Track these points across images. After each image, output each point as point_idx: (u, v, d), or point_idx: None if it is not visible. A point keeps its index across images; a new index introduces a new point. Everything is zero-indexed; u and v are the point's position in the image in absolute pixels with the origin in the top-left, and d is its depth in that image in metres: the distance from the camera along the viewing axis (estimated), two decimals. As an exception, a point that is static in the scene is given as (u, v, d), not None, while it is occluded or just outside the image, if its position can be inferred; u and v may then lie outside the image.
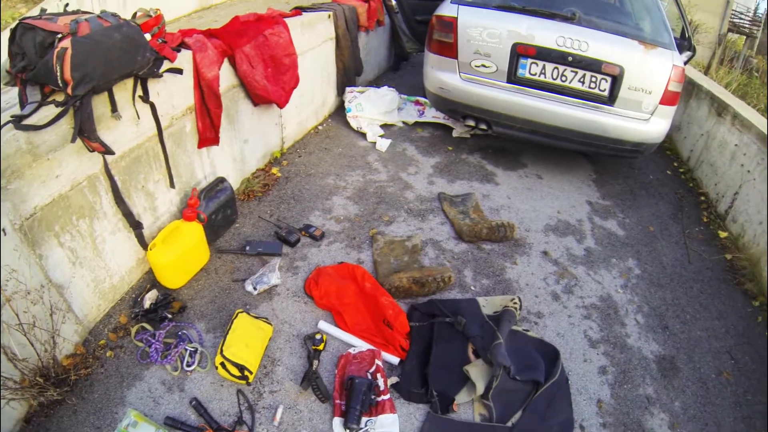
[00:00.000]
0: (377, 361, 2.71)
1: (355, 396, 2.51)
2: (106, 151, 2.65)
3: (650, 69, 3.92)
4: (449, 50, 4.24)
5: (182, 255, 3.15)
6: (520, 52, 4.00)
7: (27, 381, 2.50)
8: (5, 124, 2.34)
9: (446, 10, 4.30)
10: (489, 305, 3.08)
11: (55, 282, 2.68)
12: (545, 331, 3.03)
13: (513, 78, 4.10)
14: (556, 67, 3.98)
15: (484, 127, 4.38)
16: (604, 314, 3.19)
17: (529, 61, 4.02)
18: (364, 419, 2.48)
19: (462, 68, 4.23)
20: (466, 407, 2.62)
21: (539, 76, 4.04)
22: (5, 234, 2.35)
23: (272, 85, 3.91)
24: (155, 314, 3.01)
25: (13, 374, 2.44)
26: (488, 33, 4.05)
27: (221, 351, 2.63)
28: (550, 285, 3.34)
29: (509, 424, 2.55)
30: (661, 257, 3.79)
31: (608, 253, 3.71)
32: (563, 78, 3.99)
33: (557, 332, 3.03)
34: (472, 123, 4.43)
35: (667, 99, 3.97)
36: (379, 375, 2.66)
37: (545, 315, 3.13)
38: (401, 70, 6.39)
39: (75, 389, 2.69)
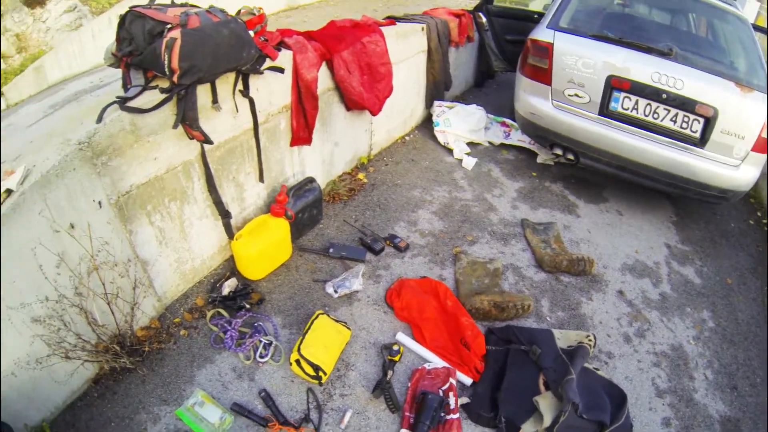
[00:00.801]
0: (451, 380, 2.67)
1: (425, 411, 2.48)
2: (205, 140, 2.70)
3: (745, 113, 3.71)
4: (543, 76, 4.16)
5: (266, 249, 3.19)
6: (614, 84, 3.87)
7: (102, 346, 2.58)
8: (111, 103, 2.43)
9: (542, 35, 4.21)
10: (563, 338, 3.00)
11: (141, 258, 2.76)
12: (614, 373, 2.92)
13: (605, 111, 3.98)
14: (649, 104, 3.83)
15: (571, 157, 4.28)
16: (673, 364, 3.06)
17: (623, 94, 3.90)
18: (430, 435, 2.46)
19: (555, 95, 4.14)
20: (529, 439, 2.55)
21: (631, 111, 3.91)
22: (101, 207, 2.44)
23: (367, 92, 3.92)
24: (233, 302, 3.05)
25: (91, 338, 2.52)
26: (583, 62, 3.96)
27: (298, 349, 2.64)
28: (623, 326, 3.23)
29: None
30: (736, 312, 3.60)
31: (683, 300, 3.55)
32: (655, 115, 3.85)
33: (626, 375, 2.92)
34: (559, 152, 4.34)
35: (760, 146, 3.74)
36: (451, 393, 2.62)
37: (615, 356, 3.03)
38: (486, 88, 6.32)
39: (146, 360, 2.75)
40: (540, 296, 3.34)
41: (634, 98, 3.87)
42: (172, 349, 2.84)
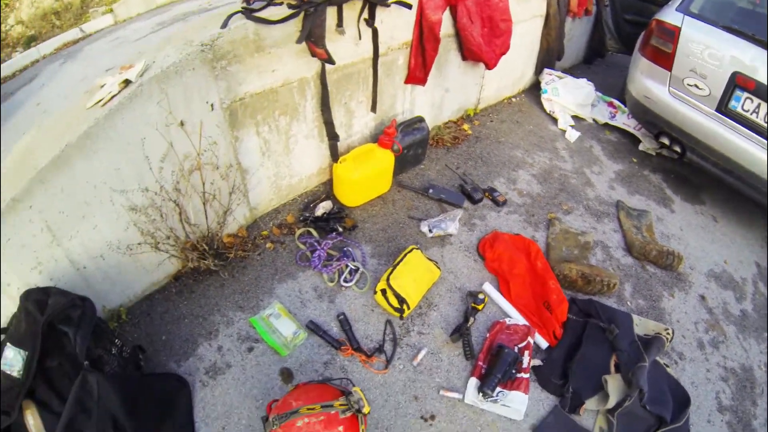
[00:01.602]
0: (529, 339, 2.65)
1: (499, 364, 2.46)
2: (328, 59, 2.68)
3: None
4: (664, 60, 3.91)
5: (369, 177, 3.18)
6: (738, 82, 3.56)
7: (190, 244, 2.64)
8: (237, 12, 2.41)
9: (670, 17, 3.90)
10: (641, 326, 2.91)
11: (242, 165, 2.80)
12: (681, 375, 2.82)
13: (723, 108, 3.69)
14: None
15: (677, 149, 4.07)
16: (740, 384, 2.92)
17: (746, 95, 3.61)
18: (498, 389, 2.44)
19: (673, 82, 3.90)
20: (590, 415, 2.52)
21: (751, 114, 3.61)
22: (212, 109, 2.47)
23: (486, 44, 3.80)
24: (325, 224, 3.07)
25: (181, 235, 2.59)
26: (710, 53, 3.68)
27: (387, 278, 2.64)
28: (699, 331, 3.10)
29: None
30: None
31: (762, 324, 3.36)
32: None
33: (692, 381, 2.81)
34: (666, 141, 4.13)
35: None
36: (526, 352, 2.60)
37: (686, 359, 2.92)
38: (595, 66, 6.05)
39: (228, 266, 2.81)
40: (624, 280, 3.24)
41: (756, 101, 3.58)
42: (255, 260, 2.89)
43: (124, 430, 2.05)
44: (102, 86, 2.22)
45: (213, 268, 2.72)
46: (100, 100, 2.14)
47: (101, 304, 2.43)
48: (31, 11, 6.86)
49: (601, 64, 6.10)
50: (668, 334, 2.87)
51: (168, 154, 2.37)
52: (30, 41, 6.22)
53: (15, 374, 1.94)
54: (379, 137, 3.32)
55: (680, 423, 2.55)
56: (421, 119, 3.55)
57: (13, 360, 1.95)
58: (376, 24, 2.91)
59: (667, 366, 2.82)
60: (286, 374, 2.45)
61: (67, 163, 2.04)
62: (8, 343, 1.97)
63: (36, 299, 2.03)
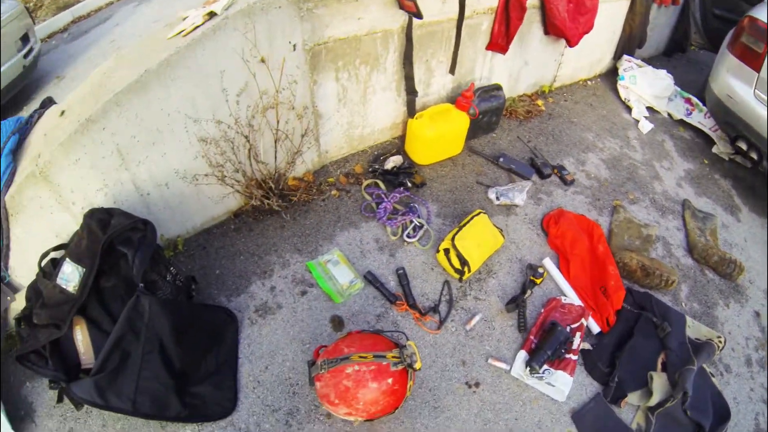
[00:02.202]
0: (583, 320, 2.58)
1: (551, 341, 2.41)
2: (417, 13, 2.60)
3: None
4: (754, 60, 3.66)
5: (442, 136, 3.12)
6: None
7: (256, 181, 2.62)
8: None
9: (765, 15, 3.64)
10: (694, 329, 2.81)
11: (318, 109, 2.77)
12: (725, 388, 2.71)
13: None
14: None
15: (753, 156, 3.87)
16: None
17: None
18: (545, 366, 2.39)
19: (760, 85, 3.66)
20: (630, 410, 2.45)
21: None
22: (294, 50, 2.42)
23: (570, 21, 3.65)
24: (394, 177, 3.02)
25: (247, 171, 2.57)
26: None
27: (452, 238, 2.58)
28: (749, 348, 2.97)
29: None
30: None
31: None
32: None
33: (734, 396, 2.70)
34: (743, 146, 3.93)
35: None
36: (578, 334, 2.53)
37: (732, 373, 2.80)
38: (675, 60, 5.78)
39: (291, 208, 2.78)
40: (682, 280, 3.13)
41: None
42: (319, 205, 2.87)
43: (169, 354, 2.08)
44: (184, 18, 2.20)
45: (276, 208, 2.71)
46: (181, 31, 2.12)
47: (160, 232, 2.44)
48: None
49: (682, 58, 5.83)
50: (720, 342, 2.77)
51: (246, 89, 2.35)
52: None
53: (70, 289, 1.97)
54: (456, 99, 3.25)
55: None
56: (498, 87, 3.47)
57: (71, 275, 1.97)
58: None
59: (713, 375, 2.72)
60: (337, 322, 2.44)
61: (144, 89, 2.04)
62: (67, 259, 2.00)
63: (99, 218, 2.05)
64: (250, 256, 2.62)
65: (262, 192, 2.68)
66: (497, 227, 2.85)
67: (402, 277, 2.59)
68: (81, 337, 2.03)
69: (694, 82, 4.78)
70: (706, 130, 4.48)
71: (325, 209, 2.86)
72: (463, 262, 2.56)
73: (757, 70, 3.62)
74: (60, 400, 2.08)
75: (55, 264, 2.06)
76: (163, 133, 2.21)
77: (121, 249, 2.04)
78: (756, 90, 3.65)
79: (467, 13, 3.00)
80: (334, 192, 2.95)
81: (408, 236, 2.77)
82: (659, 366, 2.60)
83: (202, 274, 2.54)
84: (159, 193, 2.39)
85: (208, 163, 2.44)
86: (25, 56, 4.51)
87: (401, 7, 2.62)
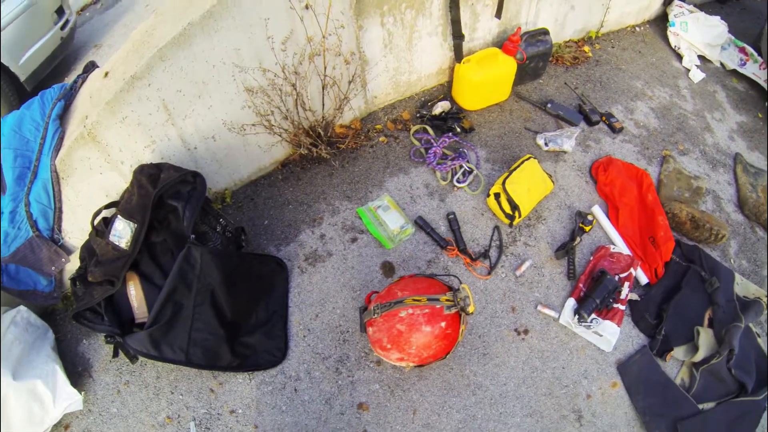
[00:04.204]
0: (632, 270, 2.49)
1: (599, 289, 2.33)
2: None
3: None
4: None
5: (491, 80, 3.00)
6: None
7: (303, 129, 2.55)
8: None
9: None
10: (743, 286, 2.70)
11: (364, 55, 2.66)
12: None
13: None
14: None
15: (811, 112, 3.69)
16: None
17: None
18: (593, 315, 2.32)
19: None
20: (674, 365, 2.38)
21: None
22: None
23: (620, -38, 3.47)
24: (443, 122, 2.93)
25: (295, 119, 2.49)
26: None
27: (503, 182, 2.49)
28: None
29: (700, 406, 2.29)
30: None
31: None
32: None
33: None
34: (800, 100, 3.74)
35: None
36: (627, 283, 2.45)
37: None
38: (728, 7, 5.45)
39: (339, 156, 2.71)
40: (731, 236, 3.00)
41: None
42: (367, 152, 2.79)
43: (220, 305, 2.07)
44: None
45: (324, 155, 2.65)
46: None
47: (208, 185, 2.41)
48: None
49: (736, 6, 5.48)
50: (768, 302, 2.67)
51: (291, 36, 2.26)
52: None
53: (123, 245, 1.96)
54: (503, 43, 3.11)
55: (759, 397, 2.38)
56: (545, 31, 3.29)
57: (123, 231, 1.96)
58: None
59: (759, 336, 2.62)
60: (388, 268, 2.39)
61: (188, 42, 1.99)
62: (119, 216, 1.98)
63: (149, 173, 2.02)
64: (298, 205, 2.58)
65: (310, 140, 2.62)
66: (546, 173, 2.75)
67: (453, 222, 2.53)
68: (134, 292, 2.04)
69: (750, 31, 4.50)
70: (761, 81, 4.24)
71: (374, 156, 2.79)
72: (514, 206, 2.48)
73: None
74: (116, 354, 2.09)
75: (107, 223, 2.06)
76: (209, 85, 2.17)
77: (171, 203, 2.03)
78: (815, 39, 3.42)
79: None
80: (382, 138, 2.87)
81: (458, 181, 2.70)
82: (706, 321, 2.53)
83: (251, 225, 2.52)
84: (206, 146, 2.36)
85: (256, 112, 2.39)
86: (62, 28, 4.48)
87: None
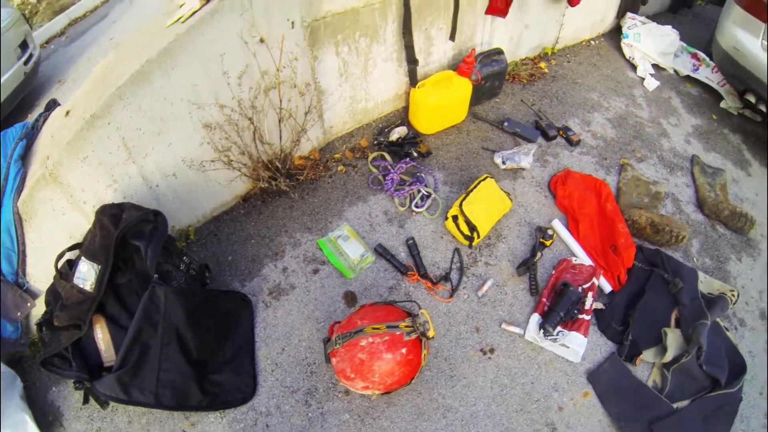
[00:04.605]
0: (594, 280, 2.52)
1: (563, 302, 2.36)
2: None
3: None
4: (761, 10, 3.48)
5: (446, 103, 3.05)
6: None
7: (262, 163, 2.58)
8: None
9: None
10: (706, 284, 2.75)
11: (320, 85, 2.70)
12: (740, 342, 2.66)
13: None
14: None
15: (763, 109, 3.75)
16: None
17: None
18: (559, 328, 2.35)
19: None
20: (645, 368, 2.42)
21: None
22: (293, 27, 2.35)
23: (571, -20, 3.56)
24: (399, 148, 2.96)
25: (253, 153, 2.52)
26: None
27: (460, 204, 2.53)
28: (763, 301, 2.89)
29: (675, 405, 2.32)
30: None
31: None
32: None
33: (749, 350, 2.65)
34: (751, 99, 3.80)
35: None
36: (590, 293, 2.48)
37: (747, 326, 2.75)
38: (681, 16, 5.60)
39: (299, 187, 2.74)
40: (692, 236, 3.05)
41: None
42: (326, 182, 2.83)
43: (187, 344, 2.06)
44: (181, 5, 2.15)
45: (283, 188, 2.67)
46: (179, 18, 2.08)
47: (171, 224, 2.42)
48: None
49: (688, 14, 5.64)
50: (733, 296, 2.71)
51: (246, 71, 2.30)
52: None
53: (88, 288, 1.95)
54: (458, 65, 3.18)
55: (734, 389, 2.41)
56: (500, 51, 3.37)
57: (87, 273, 1.95)
58: None
59: (727, 330, 2.67)
60: (350, 297, 2.41)
61: (146, 80, 2.01)
62: (82, 257, 1.97)
63: (111, 213, 2.02)
64: (260, 239, 2.59)
65: (269, 173, 2.64)
66: (505, 191, 2.79)
67: (412, 247, 2.55)
68: (101, 335, 2.02)
69: (701, 37, 4.63)
70: (713, 85, 4.35)
71: (333, 185, 2.81)
72: (472, 227, 2.51)
73: (765, 20, 3.48)
74: (86, 400, 2.08)
75: (71, 265, 2.05)
76: (168, 123, 2.19)
77: (134, 242, 2.02)
78: (763, 41, 3.51)
79: None
80: (340, 168, 2.90)
81: (416, 206, 2.73)
82: (673, 322, 2.56)
83: (214, 261, 2.52)
84: (167, 183, 2.37)
85: (214, 148, 2.41)
86: (26, 63, 4.42)
87: None
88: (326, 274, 2.48)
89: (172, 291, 2.03)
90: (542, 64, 3.96)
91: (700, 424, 2.30)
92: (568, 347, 2.34)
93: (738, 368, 2.51)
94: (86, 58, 5.17)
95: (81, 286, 1.96)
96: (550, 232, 2.67)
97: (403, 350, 1.89)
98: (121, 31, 5.41)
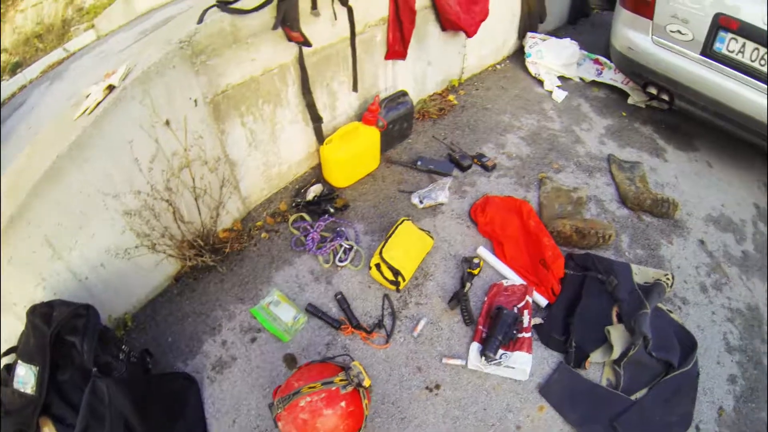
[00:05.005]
0: (528, 298, 2.64)
1: (499, 326, 2.45)
2: (304, 42, 2.66)
3: None
4: (645, 9, 3.78)
5: (356, 155, 3.18)
6: (721, 23, 3.42)
7: (187, 242, 2.65)
8: (212, 6, 2.41)
9: None
10: (641, 274, 2.88)
11: (230, 158, 2.80)
12: (686, 320, 2.79)
13: (708, 51, 3.57)
14: (756, 48, 3.36)
15: (665, 98, 4.00)
16: (747, 323, 2.88)
17: (729, 35, 3.47)
18: (500, 351, 2.43)
19: (655, 31, 3.79)
20: (596, 368, 2.51)
21: (737, 54, 3.50)
22: (196, 105, 2.46)
23: (464, 12, 3.74)
24: (317, 206, 3.07)
25: (176, 233, 2.60)
26: None
27: (380, 252, 2.64)
28: (701, 276, 3.06)
29: (633, 397, 2.41)
30: None
31: (765, 263, 3.31)
32: (762, 62, 3.46)
33: (698, 324, 2.78)
34: (653, 91, 4.05)
35: None
36: (526, 312, 2.59)
37: (690, 303, 2.89)
38: (580, 26, 5.96)
39: (226, 261, 2.82)
40: (621, 231, 3.21)
41: (741, 40, 3.46)
42: (252, 251, 2.91)
43: None
44: (87, 96, 2.24)
45: (210, 263, 2.74)
46: (86, 109, 2.15)
47: (107, 313, 2.46)
48: (14, 38, 6.87)
49: (586, 23, 6.01)
50: (668, 279, 2.85)
51: (157, 154, 2.37)
52: (15, 68, 6.24)
53: (29, 391, 1.96)
54: (363, 115, 3.31)
55: (688, 367, 2.53)
56: (404, 93, 3.53)
57: (26, 377, 1.97)
58: (351, 2, 2.88)
59: (671, 312, 2.80)
60: (290, 360, 2.47)
61: (60, 175, 2.06)
62: (19, 361, 2.00)
63: (42, 313, 2.05)
64: (197, 316, 2.64)
65: (195, 251, 2.70)
66: (424, 230, 2.91)
67: (341, 301, 2.64)
68: None
69: (601, 43, 4.92)
70: (618, 84, 4.62)
71: (259, 253, 2.89)
72: (396, 272, 2.60)
73: (651, 17, 3.76)
74: None
75: (9, 369, 2.05)
76: (87, 215, 2.22)
77: (69, 338, 2.04)
78: (653, 36, 3.78)
79: (359, 28, 3.07)
80: (264, 234, 2.98)
81: (340, 260, 2.82)
82: (614, 319, 2.67)
83: (155, 345, 2.55)
84: (96, 275, 2.39)
85: (136, 234, 2.46)
86: None
87: (289, 39, 2.66)
88: (264, 341, 2.54)
89: (114, 382, 2.04)
90: (451, 97, 4.14)
91: (662, 408, 2.39)
92: (513, 368, 2.42)
93: (689, 345, 2.63)
94: (5, 156, 5.10)
95: (22, 390, 1.96)
96: (476, 260, 2.78)
97: (342, 404, 1.96)
98: (39, 118, 5.36)
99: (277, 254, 2.89)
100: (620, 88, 4.61)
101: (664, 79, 3.85)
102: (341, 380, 2.00)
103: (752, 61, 3.44)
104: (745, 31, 3.36)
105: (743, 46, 3.43)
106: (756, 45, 3.37)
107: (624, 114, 4.36)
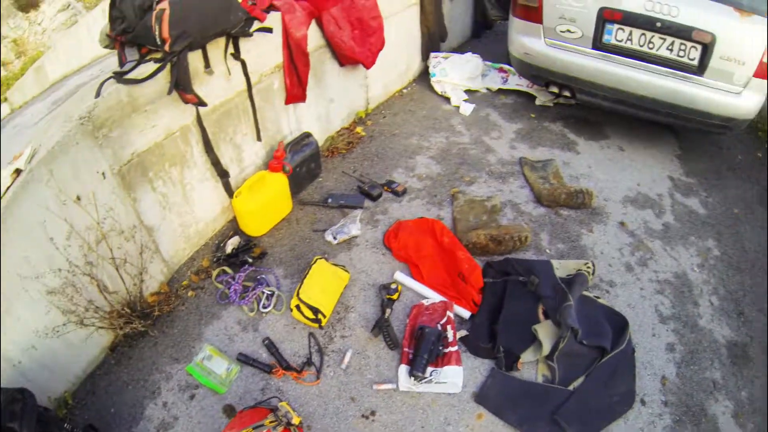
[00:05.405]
0: (449, 313, 2.73)
1: (423, 345, 2.53)
2: (199, 102, 2.76)
3: (745, 38, 3.50)
4: (534, 15, 4.06)
5: (266, 203, 3.27)
6: (606, 17, 3.71)
7: (115, 312, 2.69)
8: (107, 79, 2.50)
9: None
10: (562, 268, 3.01)
11: (146, 224, 2.86)
12: (616, 301, 2.93)
13: (598, 44, 3.85)
14: (643, 34, 3.68)
15: (567, 94, 4.23)
16: (677, 291, 3.04)
17: (616, 26, 3.74)
18: (429, 369, 2.51)
19: (547, 33, 4.05)
20: (530, 367, 2.61)
21: (625, 42, 3.76)
22: (104, 177, 2.53)
23: (359, 46, 3.90)
24: (236, 258, 3.15)
25: (103, 305, 2.63)
26: None
27: (298, 293, 2.73)
28: (625, 256, 3.22)
29: (571, 387, 2.51)
30: (743, 241, 3.48)
31: (687, 230, 3.50)
32: (650, 45, 3.72)
33: (628, 303, 2.92)
34: (555, 90, 4.29)
35: (762, 72, 3.54)
36: (449, 327, 2.68)
37: (617, 285, 3.03)
38: (485, 39, 6.23)
39: (157, 324, 2.87)
40: (539, 230, 3.36)
41: (627, 29, 3.74)
42: (181, 311, 2.96)
43: None
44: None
45: (142, 329, 2.77)
46: None
47: (46, 394, 2.45)
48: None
49: (491, 35, 6.30)
50: (588, 267, 2.99)
51: (72, 231, 2.40)
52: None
53: None
54: (269, 162, 3.40)
55: (622, 346, 2.64)
56: (308, 135, 3.63)
57: None
58: (243, 56, 2.99)
59: (598, 298, 2.93)
60: (229, 410, 2.50)
61: None
62: None
63: None
64: (136, 383, 2.66)
65: (124, 319, 2.71)
66: (339, 265, 3.00)
67: (270, 346, 2.70)
68: None
69: (505, 52, 5.12)
70: (524, 88, 4.84)
71: (188, 312, 2.94)
72: (315, 310, 2.69)
73: (540, 21, 4.02)
74: None
75: None
76: (11, 299, 2.22)
77: (10, 425, 2.01)
78: (546, 39, 4.01)
79: (254, 79, 3.17)
80: (190, 293, 3.02)
81: (263, 307, 2.89)
82: (541, 317, 2.78)
83: (99, 418, 2.54)
84: (29, 357, 2.38)
85: (62, 312, 2.46)
86: None
87: (185, 101, 2.74)
88: (202, 396, 2.57)
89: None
90: (358, 129, 4.26)
91: (601, 391, 2.49)
92: (445, 382, 2.49)
93: (620, 326, 2.75)
94: None
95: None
96: (393, 286, 2.87)
97: (276, 443, 2.02)
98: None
99: (205, 310, 2.94)
100: (527, 92, 4.82)
101: (563, 77, 4.10)
102: (271, 422, 2.08)
103: (641, 47, 3.70)
104: (630, 19, 3.66)
105: (630, 34, 3.71)
106: (642, 31, 3.63)
107: (533, 116, 4.56)
